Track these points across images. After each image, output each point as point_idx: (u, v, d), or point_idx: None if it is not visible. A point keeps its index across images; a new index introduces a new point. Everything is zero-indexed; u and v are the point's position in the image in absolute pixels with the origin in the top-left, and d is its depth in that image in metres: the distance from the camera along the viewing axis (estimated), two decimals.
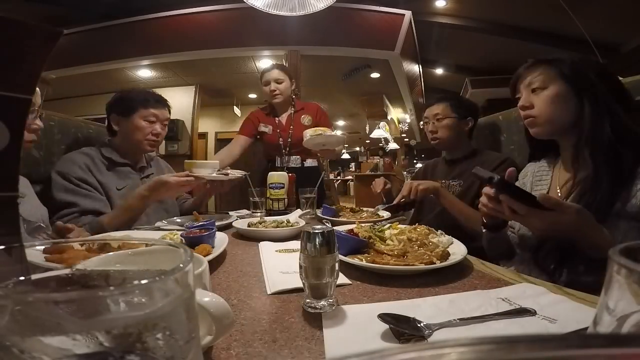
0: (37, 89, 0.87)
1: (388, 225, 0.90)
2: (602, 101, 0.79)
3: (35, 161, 1.22)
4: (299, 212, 1.20)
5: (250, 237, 0.96)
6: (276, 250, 0.80)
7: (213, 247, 0.73)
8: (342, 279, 0.58)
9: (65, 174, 1.10)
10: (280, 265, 0.66)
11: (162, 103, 1.35)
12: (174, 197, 1.23)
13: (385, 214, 1.23)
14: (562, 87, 0.83)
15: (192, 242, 0.70)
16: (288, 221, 1.06)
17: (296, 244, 0.85)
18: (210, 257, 0.65)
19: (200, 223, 0.93)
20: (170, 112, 1.39)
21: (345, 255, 0.66)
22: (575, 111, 0.82)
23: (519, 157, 1.28)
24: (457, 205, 1.19)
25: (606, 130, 0.76)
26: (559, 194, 0.86)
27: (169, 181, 1.06)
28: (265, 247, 0.84)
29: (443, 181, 1.41)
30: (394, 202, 1.22)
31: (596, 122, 0.78)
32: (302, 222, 1.05)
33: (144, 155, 1.37)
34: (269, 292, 0.52)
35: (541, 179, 0.93)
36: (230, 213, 1.36)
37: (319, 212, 1.33)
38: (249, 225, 1.03)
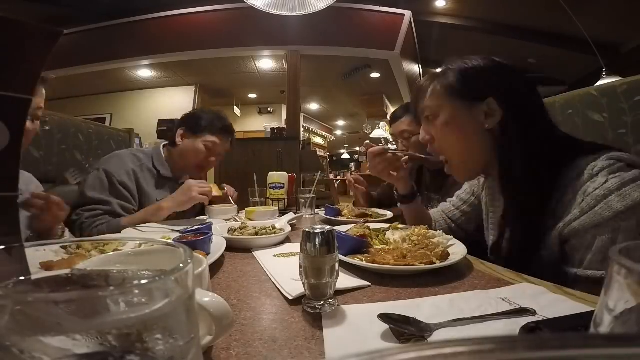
0: (43, 90, 0.88)
1: (388, 226, 0.90)
2: (510, 114, 0.64)
3: (35, 161, 1.22)
4: (290, 215, 1.15)
5: (234, 244, 0.84)
6: (274, 255, 0.77)
7: (208, 254, 0.69)
8: (359, 281, 0.58)
9: (111, 174, 1.13)
10: (289, 272, 0.62)
11: (229, 133, 1.37)
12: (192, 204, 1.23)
13: (389, 213, 1.24)
14: (453, 108, 0.66)
15: None
16: (273, 227, 0.96)
17: (292, 247, 0.84)
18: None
19: (197, 227, 0.86)
20: (232, 143, 1.41)
21: (345, 256, 0.66)
22: (480, 136, 0.66)
23: None
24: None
25: (516, 153, 0.63)
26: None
27: (193, 196, 1.13)
28: (260, 253, 0.79)
29: (425, 192, 1.35)
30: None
31: (504, 145, 0.64)
32: (288, 229, 0.95)
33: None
34: (290, 298, 0.50)
35: (494, 197, 0.83)
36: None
37: (321, 213, 1.33)
38: (229, 232, 0.93)
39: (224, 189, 1.41)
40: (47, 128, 0.97)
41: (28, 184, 0.97)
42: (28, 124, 0.84)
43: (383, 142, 8.22)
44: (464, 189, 1.03)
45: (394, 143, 1.47)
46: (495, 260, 0.82)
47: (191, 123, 1.32)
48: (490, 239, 0.85)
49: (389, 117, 1.42)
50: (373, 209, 1.34)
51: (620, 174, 0.55)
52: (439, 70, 0.70)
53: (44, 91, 0.90)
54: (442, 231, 0.80)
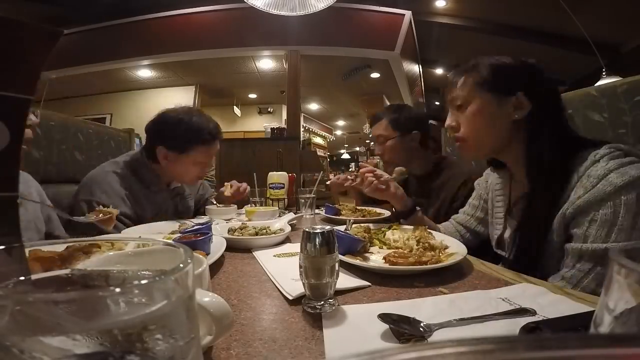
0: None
1: (388, 225, 0.90)
2: (536, 108, 0.71)
3: (35, 161, 1.22)
4: (290, 216, 1.14)
5: (234, 244, 0.84)
6: (274, 255, 0.77)
7: (208, 253, 0.69)
8: (359, 281, 0.58)
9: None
10: (289, 272, 0.61)
11: (217, 136, 1.20)
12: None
13: (386, 212, 1.24)
14: (484, 100, 0.73)
15: None
16: (273, 227, 0.96)
17: (292, 247, 0.84)
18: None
19: (196, 227, 0.85)
20: (221, 142, 1.26)
21: (343, 255, 0.66)
22: (506, 126, 0.73)
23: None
24: None
25: (543, 142, 0.69)
26: (514, 211, 0.80)
27: None
28: (260, 253, 0.79)
29: (413, 198, 1.28)
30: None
31: (532, 135, 0.71)
32: (288, 229, 0.95)
33: None
34: (290, 298, 0.50)
35: (499, 193, 0.88)
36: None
37: (320, 212, 1.33)
38: (229, 232, 0.93)
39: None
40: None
41: (28, 186, 0.95)
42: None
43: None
44: (473, 196, 1.02)
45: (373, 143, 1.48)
46: (496, 256, 0.83)
47: (172, 141, 1.13)
48: (495, 233, 0.87)
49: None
50: (372, 209, 1.34)
51: (619, 159, 0.61)
52: (470, 63, 0.77)
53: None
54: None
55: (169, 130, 1.13)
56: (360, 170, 1.00)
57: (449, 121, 0.79)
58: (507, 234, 0.82)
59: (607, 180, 0.59)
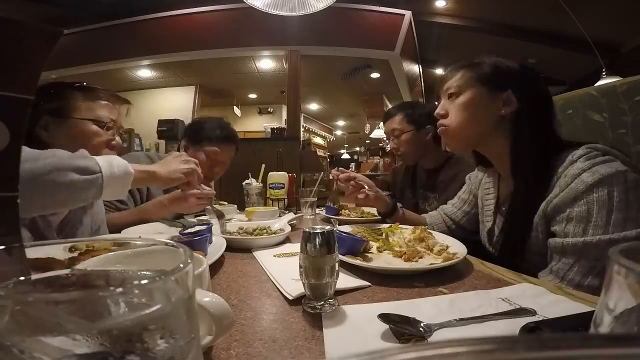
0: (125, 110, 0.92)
1: (388, 226, 0.90)
2: (525, 108, 0.74)
3: None
4: (290, 216, 1.13)
5: (234, 244, 0.84)
6: (274, 255, 0.77)
7: (206, 254, 0.68)
8: (359, 281, 0.58)
9: None
10: (289, 272, 0.61)
11: (230, 139, 1.34)
12: (190, 212, 1.13)
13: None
14: (477, 92, 0.76)
15: None
16: (272, 227, 0.96)
17: (292, 247, 0.84)
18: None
19: (197, 228, 0.83)
20: (237, 149, 1.39)
21: (345, 255, 0.66)
22: (492, 120, 0.76)
23: None
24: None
25: (525, 141, 0.73)
26: (504, 209, 0.83)
27: (189, 200, 1.02)
28: (260, 253, 0.79)
29: (421, 191, 1.40)
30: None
31: (516, 133, 0.74)
32: (288, 229, 0.95)
33: None
34: (290, 298, 0.50)
35: (488, 192, 0.90)
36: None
37: (322, 212, 1.33)
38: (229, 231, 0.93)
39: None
40: (125, 145, 0.98)
41: None
42: (115, 141, 0.87)
43: (383, 142, 8.22)
44: (463, 190, 1.06)
45: (387, 141, 1.51)
46: (489, 253, 0.86)
47: (193, 133, 1.30)
48: (484, 230, 0.90)
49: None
50: (370, 209, 1.34)
51: (593, 159, 0.65)
52: (472, 61, 0.80)
53: (124, 111, 0.92)
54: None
55: (194, 127, 1.35)
56: (340, 176, 1.06)
57: (438, 109, 0.82)
58: (496, 231, 0.85)
59: (580, 179, 0.63)
